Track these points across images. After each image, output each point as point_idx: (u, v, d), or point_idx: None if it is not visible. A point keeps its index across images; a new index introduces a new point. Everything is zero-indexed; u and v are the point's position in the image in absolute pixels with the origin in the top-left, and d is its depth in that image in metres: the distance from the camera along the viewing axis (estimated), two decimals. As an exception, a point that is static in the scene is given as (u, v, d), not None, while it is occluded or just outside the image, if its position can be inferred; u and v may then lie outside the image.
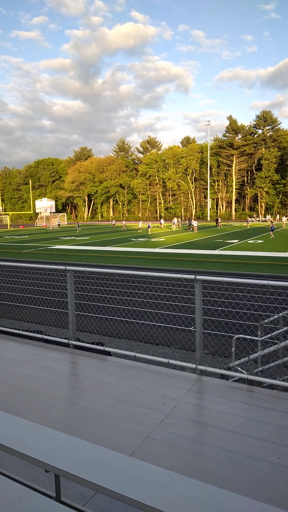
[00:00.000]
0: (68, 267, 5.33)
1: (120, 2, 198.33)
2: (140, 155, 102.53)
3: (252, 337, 5.68)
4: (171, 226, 52.84)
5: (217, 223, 53.33)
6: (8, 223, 72.16)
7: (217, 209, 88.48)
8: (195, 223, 45.52)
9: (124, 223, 57.13)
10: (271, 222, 41.22)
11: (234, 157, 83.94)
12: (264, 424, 3.26)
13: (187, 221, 51.50)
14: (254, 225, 58.27)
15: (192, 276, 4.32)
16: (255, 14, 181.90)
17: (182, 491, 1.70)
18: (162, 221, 59.02)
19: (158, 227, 55.67)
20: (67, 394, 4.03)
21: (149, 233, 43.07)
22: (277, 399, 3.74)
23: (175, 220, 53.85)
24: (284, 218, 56.98)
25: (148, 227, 46.07)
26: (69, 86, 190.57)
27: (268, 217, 54.87)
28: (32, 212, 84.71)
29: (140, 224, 50.79)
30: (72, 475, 1.81)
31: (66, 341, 5.39)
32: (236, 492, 2.10)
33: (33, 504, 1.72)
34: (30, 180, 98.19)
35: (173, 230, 48.85)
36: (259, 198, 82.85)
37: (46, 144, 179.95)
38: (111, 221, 66.90)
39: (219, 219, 56.83)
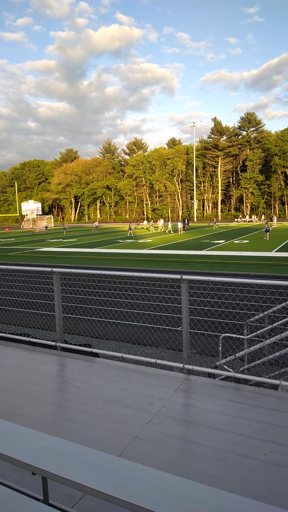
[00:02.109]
0: (54, 269, 5.30)
1: (105, 4, 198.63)
2: (127, 157, 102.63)
3: (238, 336, 5.75)
4: (156, 227, 52.65)
5: (185, 224, 51.17)
6: (-7, 225, 71.18)
7: (203, 209, 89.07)
8: (179, 224, 44.91)
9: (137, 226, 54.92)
10: (267, 223, 39.80)
11: (220, 158, 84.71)
12: (251, 421, 3.30)
13: (182, 222, 50.96)
14: (240, 225, 58.87)
15: (178, 276, 4.35)
16: (239, 17, 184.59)
17: (170, 489, 1.72)
18: (145, 222, 57.77)
19: (143, 228, 54.80)
20: (55, 396, 4.00)
21: (132, 235, 42.43)
22: (263, 396, 3.79)
23: (161, 221, 53.47)
24: (274, 219, 57.73)
25: (129, 229, 44.73)
26: (55, 87, 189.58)
27: (263, 217, 54.34)
28: (18, 214, 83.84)
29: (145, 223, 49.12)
30: (59, 477, 1.80)
31: (53, 343, 5.35)
32: (223, 489, 2.13)
33: (20, 507, 1.70)
34: (15, 182, 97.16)
35: (158, 231, 48.64)
36: (244, 199, 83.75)
37: (32, 146, 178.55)
38: (93, 223, 64.18)
39: (186, 219, 55.12)
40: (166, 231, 47.58)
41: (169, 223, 45.27)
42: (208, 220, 78.50)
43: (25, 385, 4.21)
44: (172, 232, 45.78)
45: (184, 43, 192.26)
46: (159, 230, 49.20)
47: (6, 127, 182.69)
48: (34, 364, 4.83)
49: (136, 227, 56.67)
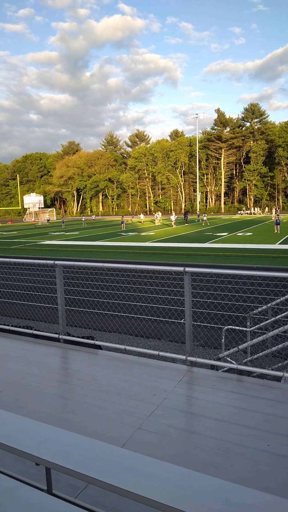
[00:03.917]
0: (57, 262, 5.29)
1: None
2: (129, 149, 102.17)
3: (241, 328, 5.74)
4: (153, 220, 51.91)
5: (186, 217, 50.41)
6: (-4, 219, 71.30)
7: (206, 202, 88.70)
8: (172, 217, 43.65)
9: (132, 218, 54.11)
10: (277, 215, 37.71)
11: (223, 150, 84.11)
12: (254, 412, 3.31)
13: (184, 214, 50.27)
14: (243, 217, 58.65)
15: (181, 269, 4.33)
16: (243, 6, 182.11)
17: (174, 480, 1.72)
18: (142, 216, 55.22)
19: (139, 222, 52.95)
20: (58, 388, 4.02)
21: (124, 228, 41.70)
22: (266, 388, 3.79)
23: (159, 214, 52.50)
24: (273, 211, 57.02)
25: (122, 223, 43.72)
26: (57, 79, 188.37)
27: (274, 210, 52.70)
28: (20, 207, 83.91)
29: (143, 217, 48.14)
30: (63, 467, 1.81)
31: (56, 336, 5.37)
32: (226, 479, 2.13)
33: (24, 496, 1.71)
34: (18, 175, 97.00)
35: (156, 224, 48.03)
36: (247, 191, 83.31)
37: (33, 138, 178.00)
38: (91, 216, 65.99)
39: (188, 212, 54.07)
40: (156, 223, 46.78)
41: (173, 216, 44.29)
42: (212, 213, 78.19)
43: (28, 377, 4.23)
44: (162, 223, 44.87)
45: (188, 33, 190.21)
46: (157, 223, 48.60)
47: (8, 119, 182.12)
48: (37, 357, 4.85)
49: (130, 220, 56.15)
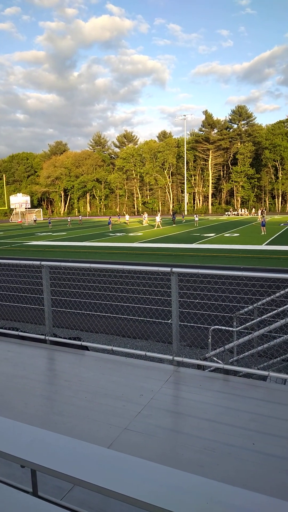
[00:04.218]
0: (43, 262, 5.25)
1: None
2: (117, 150, 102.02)
3: (227, 328, 5.79)
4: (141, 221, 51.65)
5: (173, 217, 50.02)
6: (-19, 219, 70.33)
7: (194, 203, 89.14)
8: (158, 218, 43.23)
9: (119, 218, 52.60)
10: (263, 216, 38.11)
11: (210, 151, 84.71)
12: (240, 412, 3.34)
13: (172, 215, 50.14)
14: (230, 218, 59.15)
15: (168, 269, 4.35)
16: (231, 9, 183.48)
17: (160, 480, 1.72)
18: (127, 217, 54.12)
19: (125, 223, 51.94)
20: (44, 389, 3.99)
21: (110, 229, 41.33)
22: (252, 387, 3.83)
23: (145, 215, 52.05)
24: (259, 212, 57.51)
25: (109, 223, 43.17)
26: (44, 79, 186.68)
27: (260, 211, 53.05)
28: (6, 208, 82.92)
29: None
30: (48, 469, 1.80)
31: (42, 337, 5.32)
32: (213, 478, 2.15)
33: (9, 499, 1.70)
34: (4, 175, 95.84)
35: (143, 225, 47.86)
36: (235, 192, 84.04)
37: (20, 138, 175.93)
38: (78, 216, 66.12)
39: (174, 213, 53.63)
40: (144, 224, 46.63)
41: (158, 217, 43.85)
42: (200, 214, 78.62)
43: (14, 379, 4.18)
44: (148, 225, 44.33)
45: (176, 34, 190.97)
46: (144, 224, 48.41)
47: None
48: (23, 358, 4.80)
49: (118, 221, 55.87)
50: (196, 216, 47.58)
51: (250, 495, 1.64)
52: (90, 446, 2.00)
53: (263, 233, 30.08)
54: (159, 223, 42.44)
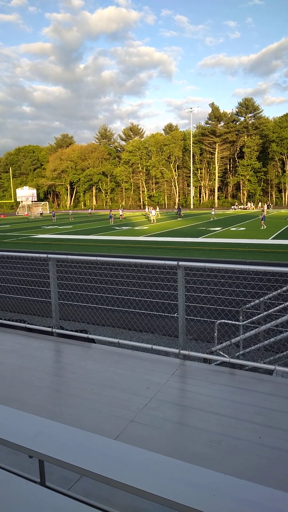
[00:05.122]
0: (50, 255, 5.27)
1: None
2: (123, 143, 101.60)
3: (234, 322, 5.78)
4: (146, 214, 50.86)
5: (178, 212, 48.81)
6: (-12, 212, 70.66)
7: (200, 197, 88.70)
8: (153, 212, 42.18)
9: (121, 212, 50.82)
10: (263, 211, 38.03)
11: (217, 144, 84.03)
12: (246, 405, 3.34)
13: (177, 209, 49.63)
14: (236, 212, 58.82)
15: (175, 263, 4.34)
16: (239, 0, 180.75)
17: (166, 472, 1.73)
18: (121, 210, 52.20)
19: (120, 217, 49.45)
20: (51, 381, 4.02)
21: (112, 223, 40.60)
22: (258, 381, 3.83)
23: (151, 209, 51.60)
24: (264, 206, 57.27)
25: (110, 217, 42.09)
26: (50, 71, 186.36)
27: (263, 205, 52.57)
28: (13, 201, 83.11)
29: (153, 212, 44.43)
30: (56, 459, 1.81)
31: (49, 329, 5.36)
32: (219, 471, 2.16)
33: (17, 489, 1.72)
34: (10, 168, 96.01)
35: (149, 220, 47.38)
36: (241, 186, 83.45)
37: (27, 131, 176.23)
38: (88, 209, 66.87)
39: (179, 206, 52.58)
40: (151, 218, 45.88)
41: (153, 211, 42.26)
42: (206, 208, 78.18)
43: (21, 371, 4.22)
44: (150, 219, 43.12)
45: (183, 26, 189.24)
46: (151, 219, 47.73)
47: (1, 111, 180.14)
48: (30, 350, 4.84)
49: (119, 215, 55.36)
50: (213, 210, 47.09)
51: (256, 488, 1.64)
52: (97, 438, 2.01)
53: (262, 228, 29.93)
54: (154, 217, 41.41)
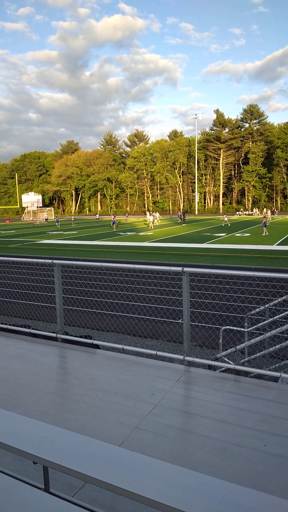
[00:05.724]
0: (55, 261, 5.29)
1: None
2: (128, 149, 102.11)
3: (239, 329, 5.75)
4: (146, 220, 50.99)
5: (182, 217, 48.76)
6: (-6, 217, 71.11)
7: (204, 202, 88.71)
8: (150, 218, 41.78)
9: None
10: (265, 217, 37.81)
11: (221, 150, 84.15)
12: (251, 412, 3.32)
13: (179, 214, 49.57)
14: (241, 218, 58.70)
15: (180, 269, 4.34)
16: (244, 7, 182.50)
17: (171, 479, 1.72)
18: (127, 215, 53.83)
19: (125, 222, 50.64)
20: (55, 387, 4.02)
21: (115, 229, 40.54)
22: (263, 388, 3.80)
23: (156, 214, 51.09)
24: (268, 212, 57.08)
25: (113, 223, 42.20)
26: (56, 78, 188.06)
27: (265, 211, 52.33)
28: (18, 206, 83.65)
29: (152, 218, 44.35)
30: (60, 466, 1.81)
31: (54, 335, 5.37)
32: (224, 479, 2.14)
33: (21, 495, 1.72)
34: (16, 174, 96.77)
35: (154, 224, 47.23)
36: (246, 192, 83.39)
37: (32, 137, 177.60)
38: (95, 215, 67.44)
39: (183, 212, 52.29)
40: (155, 223, 45.53)
41: (151, 216, 42.24)
42: (210, 213, 78.12)
43: (26, 376, 4.22)
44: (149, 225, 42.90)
45: (188, 33, 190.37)
46: (155, 223, 47.63)
47: (7, 118, 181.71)
48: (35, 356, 4.85)
49: (125, 220, 55.55)
50: (225, 216, 46.78)
51: (261, 496, 1.63)
52: (101, 444, 2.01)
53: (264, 234, 29.56)
54: (151, 222, 41.05)
